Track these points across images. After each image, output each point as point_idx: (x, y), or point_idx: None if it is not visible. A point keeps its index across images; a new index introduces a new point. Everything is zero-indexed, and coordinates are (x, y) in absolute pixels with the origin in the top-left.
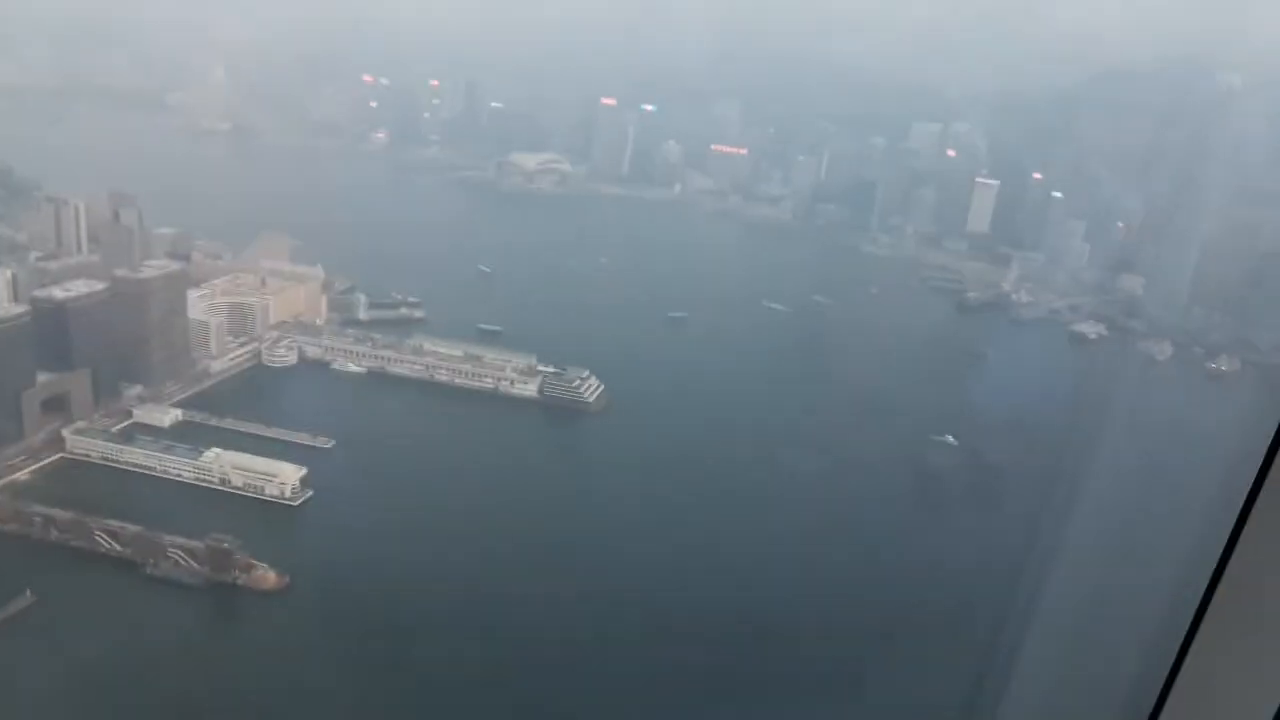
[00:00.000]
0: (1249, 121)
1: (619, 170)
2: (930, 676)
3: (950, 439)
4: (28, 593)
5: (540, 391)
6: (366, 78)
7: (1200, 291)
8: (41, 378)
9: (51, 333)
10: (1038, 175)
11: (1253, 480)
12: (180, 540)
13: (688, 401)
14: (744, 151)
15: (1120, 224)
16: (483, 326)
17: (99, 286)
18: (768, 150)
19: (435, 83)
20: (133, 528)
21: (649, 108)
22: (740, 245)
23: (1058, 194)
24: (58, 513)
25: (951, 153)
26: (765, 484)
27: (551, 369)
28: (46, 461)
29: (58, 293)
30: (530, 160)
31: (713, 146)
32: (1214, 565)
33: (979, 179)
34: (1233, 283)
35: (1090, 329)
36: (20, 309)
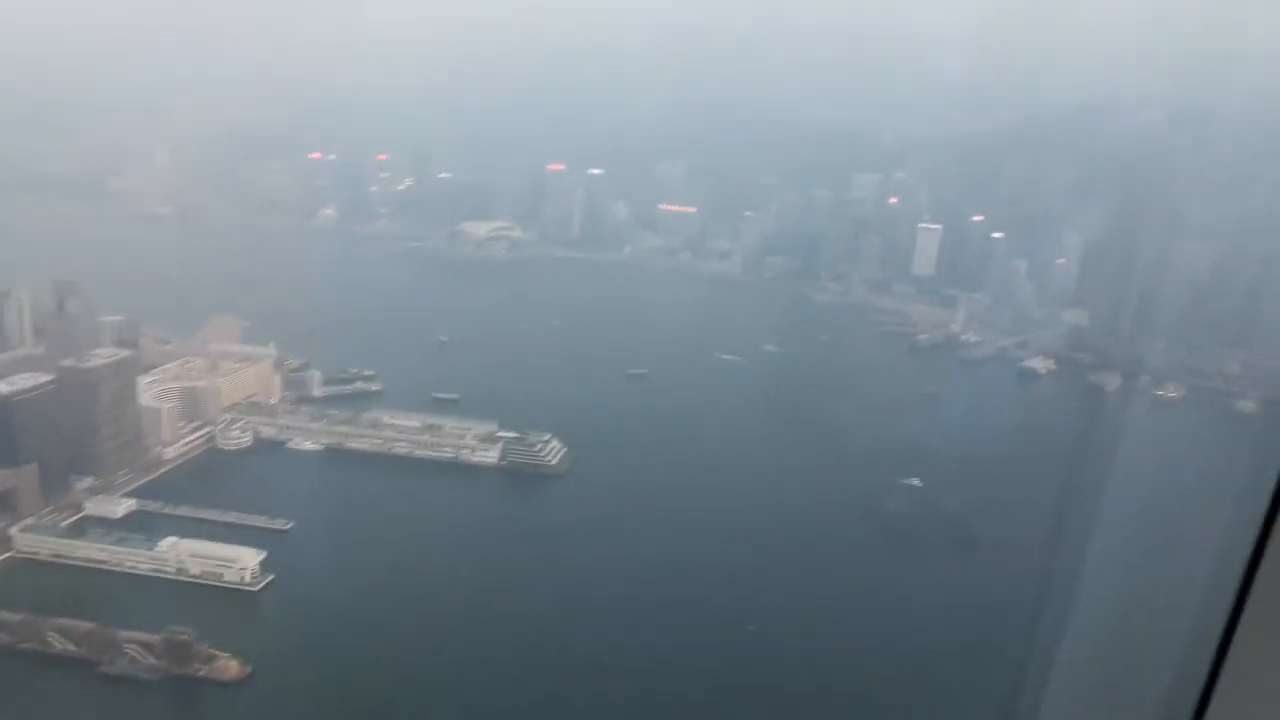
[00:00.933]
0: (1177, 155)
1: (569, 234)
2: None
3: (915, 481)
4: None
5: (502, 457)
6: (314, 154)
7: (1144, 322)
8: None
9: None
10: (978, 217)
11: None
12: (137, 635)
13: (650, 459)
14: (692, 209)
15: (1061, 260)
16: (440, 395)
17: (45, 379)
18: (715, 206)
19: (383, 156)
20: (86, 625)
21: (596, 171)
22: (693, 301)
23: (998, 234)
24: (6, 615)
25: (893, 200)
26: (735, 539)
27: (513, 434)
28: None
29: (3, 387)
30: (481, 228)
31: (661, 206)
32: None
33: (921, 224)
34: (1175, 311)
35: (1040, 364)
36: None
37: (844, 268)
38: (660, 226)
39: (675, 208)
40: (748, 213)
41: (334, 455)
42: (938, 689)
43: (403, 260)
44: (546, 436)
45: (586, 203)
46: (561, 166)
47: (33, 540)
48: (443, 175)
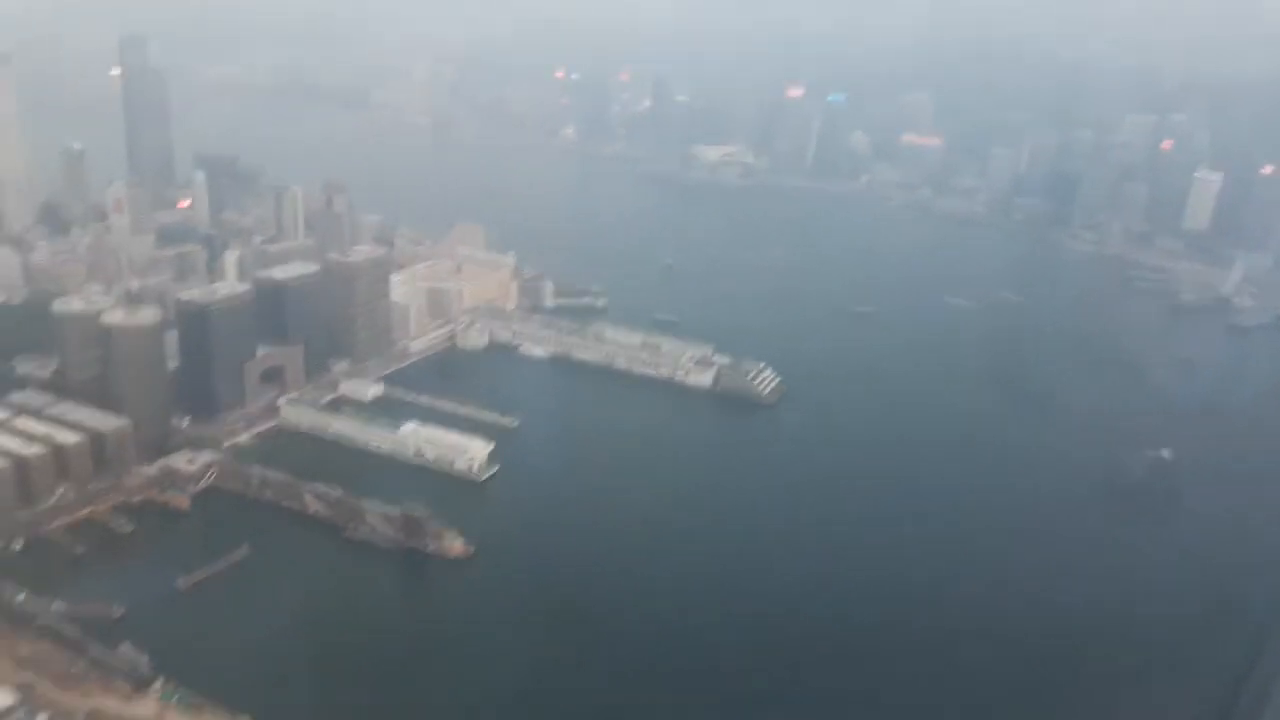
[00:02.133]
0: None
1: (803, 162)
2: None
3: (1165, 454)
4: (245, 546)
5: (715, 382)
6: (558, 73)
7: None
8: (260, 351)
9: (270, 309)
10: (1267, 169)
11: None
12: (378, 507)
13: (860, 399)
14: (937, 141)
15: None
16: (660, 317)
17: (313, 268)
18: (962, 142)
19: (625, 76)
20: (336, 492)
21: (836, 98)
22: (929, 239)
23: None
24: (272, 474)
25: (1167, 144)
26: (946, 497)
27: (727, 360)
28: (264, 428)
29: (277, 273)
30: (713, 152)
31: (903, 137)
32: None
33: (1198, 173)
34: None
35: None
36: (244, 287)
37: (1103, 216)
38: (900, 159)
39: (919, 139)
40: (998, 150)
41: (560, 363)
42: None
43: (637, 181)
44: (760, 365)
45: (823, 130)
46: (799, 92)
47: (296, 412)
48: (680, 98)
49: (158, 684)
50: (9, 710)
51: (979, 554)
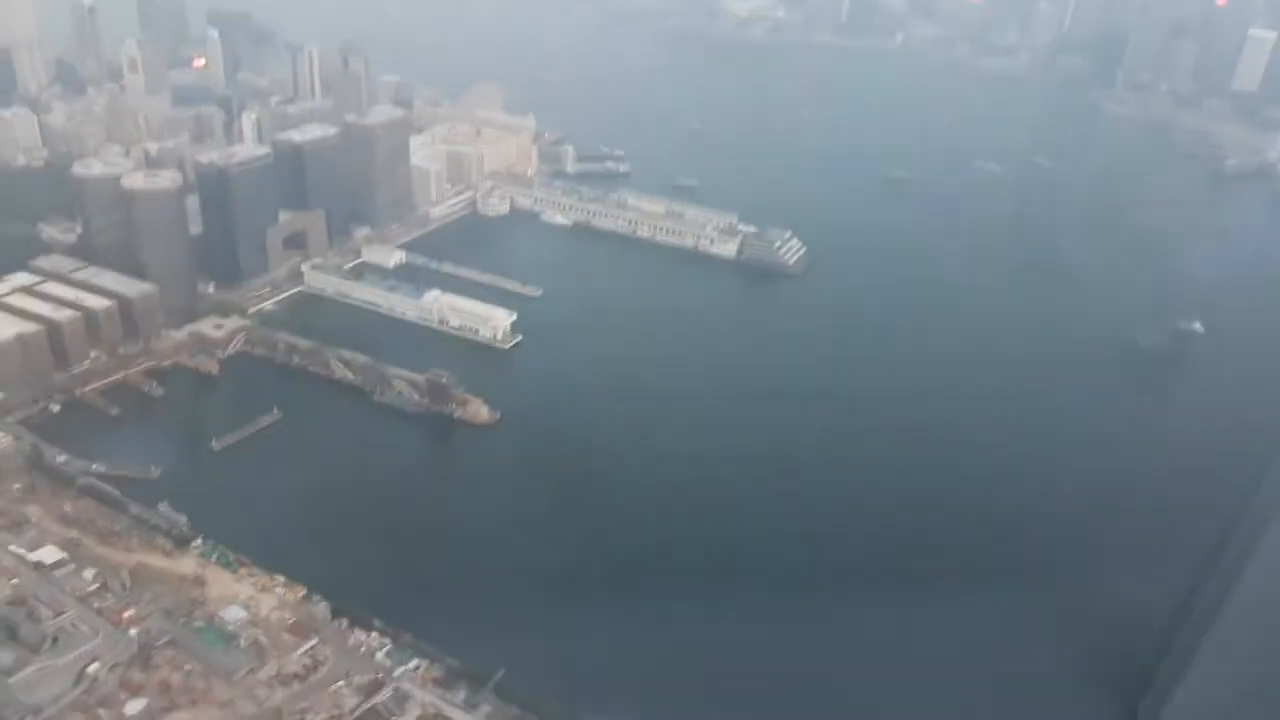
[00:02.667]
0: None
1: (837, 17)
2: None
3: (1198, 326)
4: (275, 410)
5: (740, 252)
6: None
7: None
8: (283, 216)
9: (291, 173)
10: None
11: None
12: (404, 373)
13: (886, 271)
14: (976, 1)
15: None
16: (683, 182)
17: (331, 130)
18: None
19: None
20: (362, 358)
21: None
22: (965, 100)
23: None
24: (299, 340)
25: (1222, 0)
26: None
27: (752, 229)
28: (288, 293)
29: (296, 136)
30: (742, 6)
31: None
32: None
33: (1252, 30)
34: None
35: None
36: (264, 150)
37: (1148, 76)
38: (939, 14)
39: None
40: (1041, 5)
41: (582, 231)
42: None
43: (661, 36)
44: (786, 234)
45: None
46: None
47: (320, 278)
48: None
49: (197, 541)
50: (59, 564)
51: (988, 428)
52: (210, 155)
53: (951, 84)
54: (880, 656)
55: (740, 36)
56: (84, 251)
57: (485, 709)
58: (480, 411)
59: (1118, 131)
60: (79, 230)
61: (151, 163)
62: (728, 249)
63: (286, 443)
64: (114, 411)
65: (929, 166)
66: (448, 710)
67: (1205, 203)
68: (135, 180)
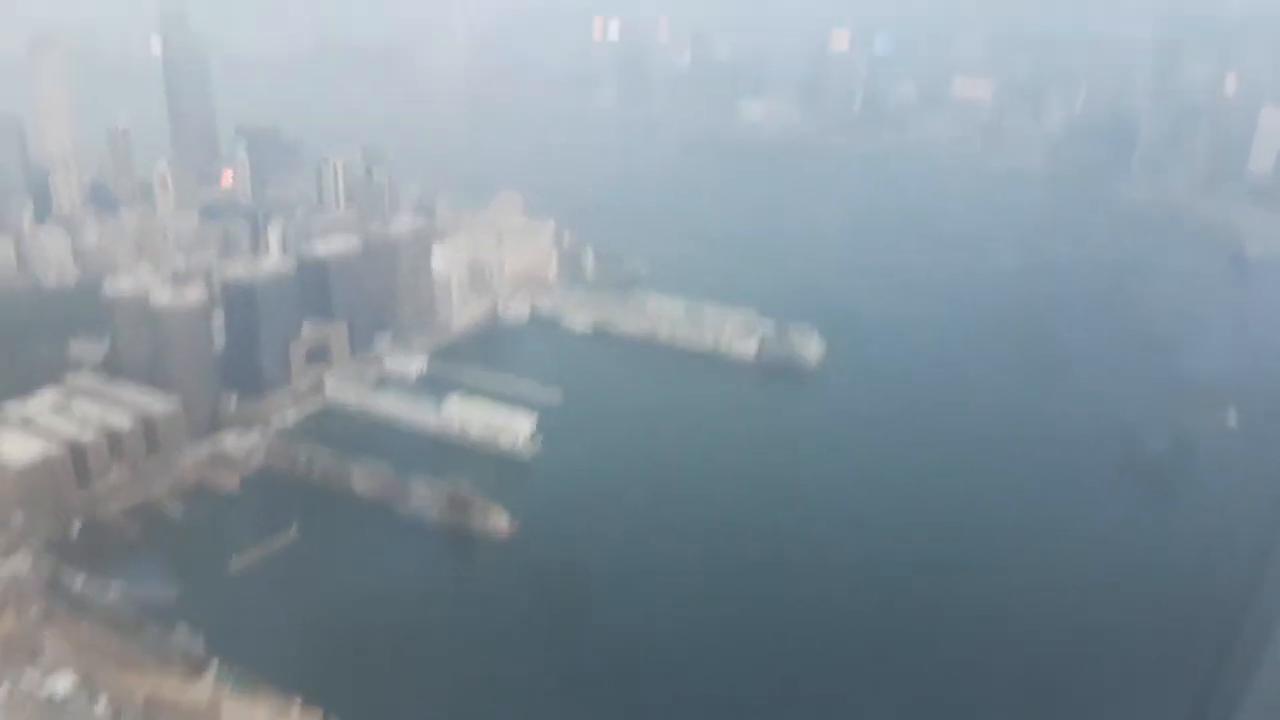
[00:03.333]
0: None
1: (849, 116)
2: None
3: (1231, 420)
4: (294, 527)
5: (759, 350)
6: (596, 32)
7: None
8: (306, 328)
9: (314, 285)
10: None
11: None
12: (425, 484)
13: (902, 369)
14: (988, 90)
15: None
16: (703, 284)
17: (355, 241)
18: (1016, 88)
19: (663, 27)
20: (383, 470)
21: (884, 44)
22: (979, 196)
23: None
24: (320, 453)
25: (1232, 82)
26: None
27: (772, 324)
28: (310, 406)
29: (320, 248)
30: (756, 109)
31: (954, 87)
32: None
33: (1265, 111)
34: None
35: None
36: (288, 264)
37: (1163, 162)
38: (951, 109)
39: (970, 85)
40: (1053, 97)
41: (602, 335)
42: None
43: (677, 141)
44: (806, 329)
45: (870, 81)
46: (844, 42)
47: (342, 390)
48: (720, 53)
49: (213, 666)
50: (71, 693)
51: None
52: (236, 270)
53: (965, 181)
54: None
55: (753, 139)
56: (111, 368)
57: None
58: (500, 523)
59: (1134, 219)
60: (107, 348)
61: (179, 279)
62: (747, 348)
63: (305, 561)
64: (133, 532)
65: (944, 265)
66: None
67: (1220, 286)
68: (163, 297)
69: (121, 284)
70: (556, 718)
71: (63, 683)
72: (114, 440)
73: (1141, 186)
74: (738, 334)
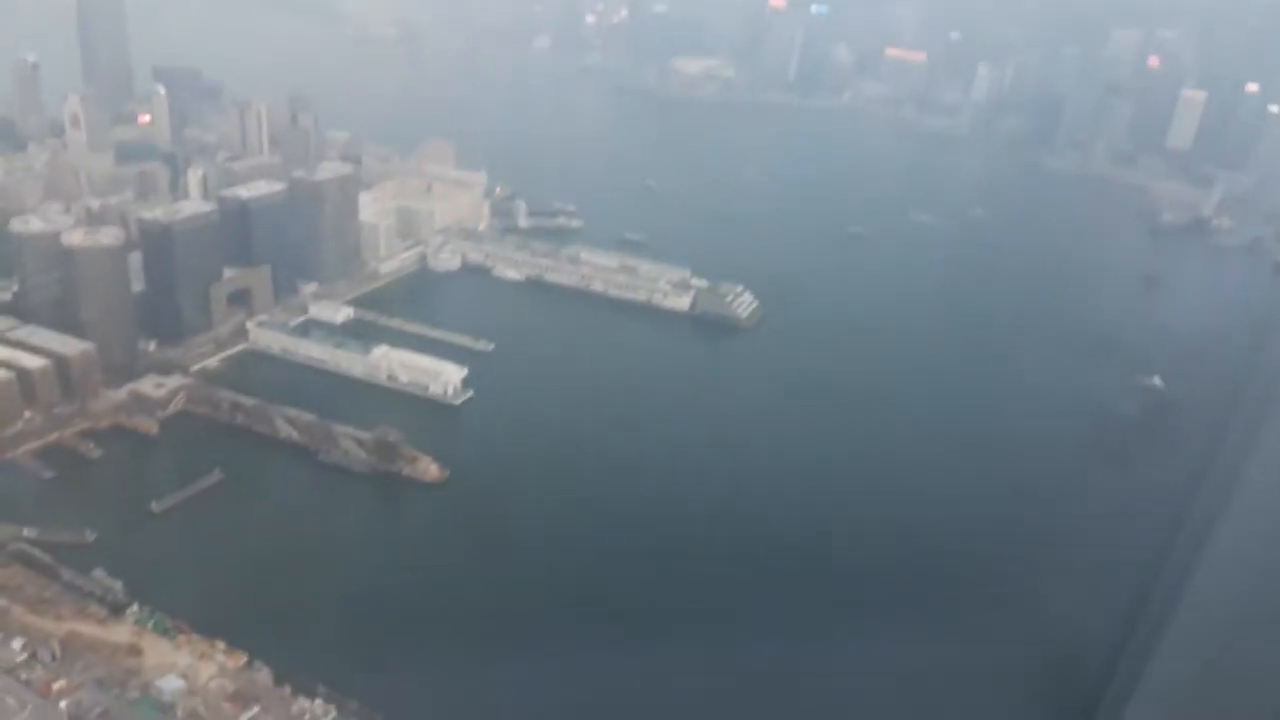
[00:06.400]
0: None
1: (785, 76)
2: None
3: (1157, 381)
4: (216, 471)
5: (692, 306)
6: None
7: None
8: (227, 273)
9: (236, 230)
10: (1253, 87)
11: None
12: (351, 431)
13: (834, 324)
14: (921, 57)
15: None
16: (631, 236)
17: (279, 186)
18: (947, 57)
19: None
20: (308, 416)
21: (820, 8)
22: (910, 158)
23: (1276, 108)
24: (243, 399)
25: (1154, 62)
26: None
27: (705, 283)
28: (232, 351)
29: (242, 192)
30: (693, 66)
31: (887, 52)
32: None
33: (1184, 91)
34: None
35: None
36: (209, 207)
37: (1086, 134)
38: (884, 74)
39: (903, 53)
40: (983, 67)
41: (534, 286)
42: None
43: (612, 95)
44: (739, 288)
45: (806, 43)
46: (782, 3)
47: (265, 335)
48: (659, 9)
49: (133, 608)
50: None
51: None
52: (154, 212)
53: (896, 142)
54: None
55: (690, 95)
56: (20, 310)
57: None
58: (429, 469)
59: (1057, 186)
60: (15, 288)
61: (93, 220)
62: (681, 303)
63: (228, 505)
64: (48, 474)
65: (874, 222)
66: None
67: (1138, 254)
68: (75, 236)
69: (30, 222)
70: (480, 653)
71: None
72: (25, 381)
73: (1066, 156)
74: (672, 289)
